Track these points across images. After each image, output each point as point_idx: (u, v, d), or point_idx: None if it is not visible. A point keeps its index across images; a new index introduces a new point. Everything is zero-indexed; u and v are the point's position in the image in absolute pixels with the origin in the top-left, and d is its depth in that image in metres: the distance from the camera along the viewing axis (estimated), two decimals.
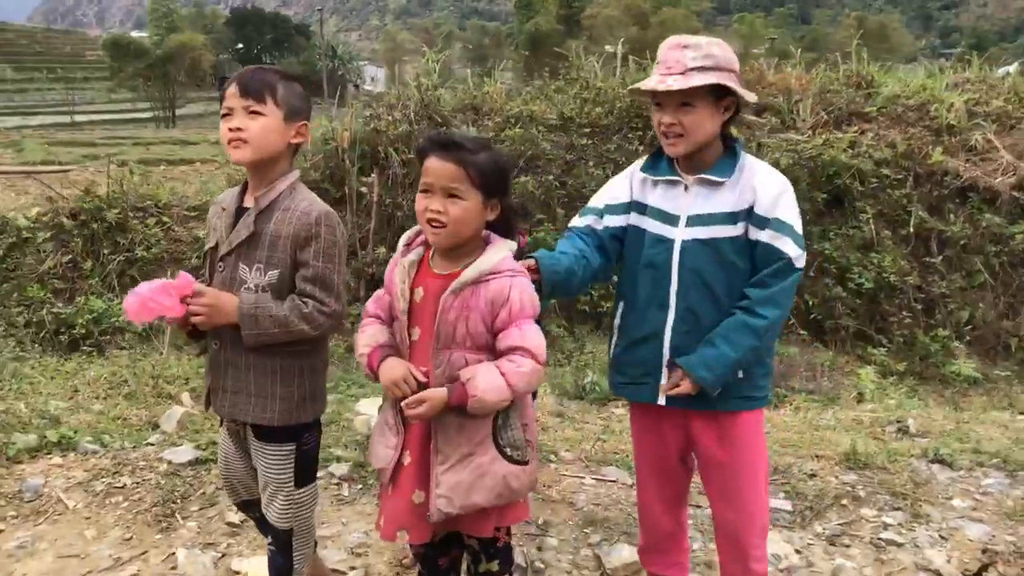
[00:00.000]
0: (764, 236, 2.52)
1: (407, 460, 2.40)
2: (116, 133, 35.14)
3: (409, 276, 2.40)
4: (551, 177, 7.54)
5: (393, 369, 2.34)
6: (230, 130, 2.43)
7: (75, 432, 4.53)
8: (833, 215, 7.59)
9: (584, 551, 3.64)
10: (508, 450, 2.38)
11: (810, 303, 7.17)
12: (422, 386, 2.30)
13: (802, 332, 7.01)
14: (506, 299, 2.28)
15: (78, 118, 44.54)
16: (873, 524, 3.93)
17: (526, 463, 2.43)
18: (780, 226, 2.51)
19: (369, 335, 2.47)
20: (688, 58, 2.47)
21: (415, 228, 2.47)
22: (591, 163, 7.78)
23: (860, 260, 7.31)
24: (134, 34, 71.82)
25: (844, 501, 4.13)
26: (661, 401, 2.64)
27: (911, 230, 7.52)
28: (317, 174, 7.92)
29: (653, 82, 2.51)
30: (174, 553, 3.45)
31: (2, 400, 5.03)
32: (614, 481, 4.32)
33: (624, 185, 2.76)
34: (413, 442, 2.39)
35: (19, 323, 6.85)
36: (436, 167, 2.30)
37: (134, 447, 4.43)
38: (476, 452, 2.34)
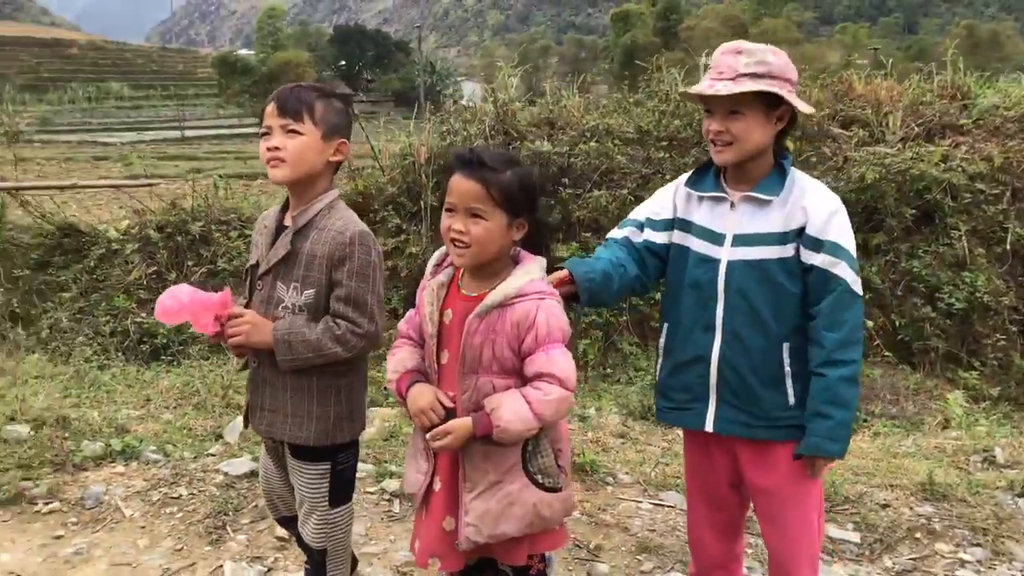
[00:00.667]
0: (818, 260, 2.39)
1: (437, 486, 2.36)
2: (222, 147, 36.48)
3: (438, 298, 2.36)
4: (625, 191, 7.41)
5: (420, 397, 2.30)
6: (268, 149, 2.44)
7: (140, 441, 4.63)
8: (922, 232, 7.22)
9: None
10: (539, 477, 2.31)
11: (897, 323, 6.85)
12: (450, 413, 2.26)
13: (887, 353, 6.69)
14: (532, 323, 2.21)
15: (188, 133, 46.34)
16: (948, 560, 3.70)
17: (559, 490, 2.35)
18: (836, 250, 2.39)
19: (398, 360, 2.43)
20: (741, 64, 2.37)
21: (444, 248, 2.42)
22: (668, 177, 7.59)
23: (951, 279, 6.93)
24: (242, 52, 74.61)
25: (918, 534, 3.91)
26: (708, 428, 2.54)
27: (1007, 248, 7.10)
28: (394, 188, 7.98)
29: (703, 86, 2.42)
30: (221, 566, 3.47)
31: (77, 408, 5.19)
32: (672, 507, 4.18)
33: (668, 200, 2.66)
34: (443, 468, 2.35)
35: (105, 332, 7.09)
36: (459, 186, 2.25)
37: (195, 457, 4.51)
38: (504, 480, 2.28)
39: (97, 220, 9.04)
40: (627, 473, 4.54)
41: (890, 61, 9.77)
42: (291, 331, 2.41)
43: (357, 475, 4.27)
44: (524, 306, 2.23)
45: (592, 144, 7.76)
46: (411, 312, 2.51)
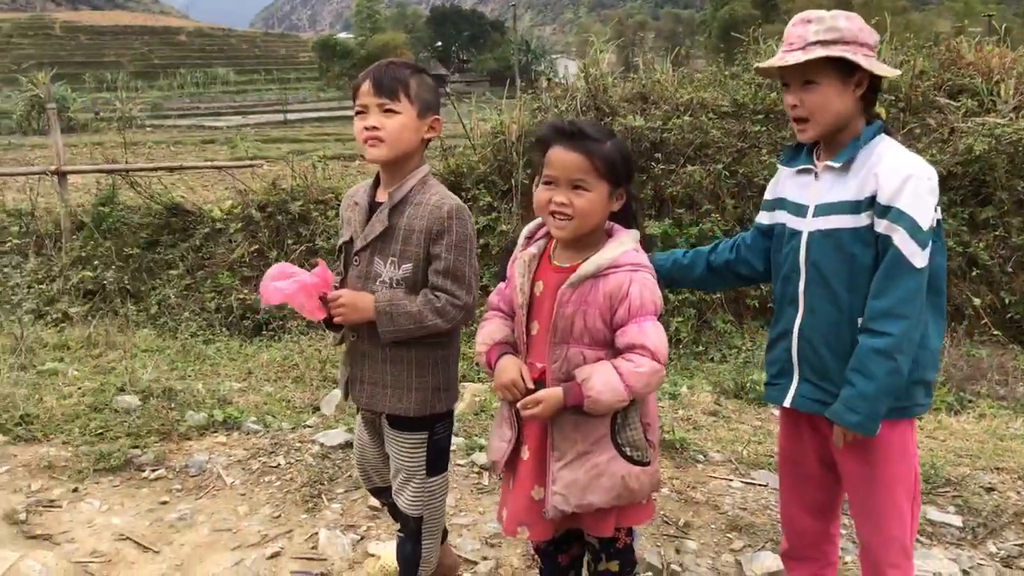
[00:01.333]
0: (881, 227, 2.29)
1: (525, 455, 2.36)
2: (323, 129, 37.25)
3: (529, 270, 2.36)
4: (720, 166, 7.27)
5: (505, 371, 2.31)
6: (366, 128, 2.45)
7: (241, 412, 4.80)
8: None
9: (725, 556, 3.48)
10: (627, 450, 2.30)
11: (1007, 301, 6.55)
12: (531, 391, 2.26)
13: (996, 332, 6.41)
14: (625, 294, 2.20)
15: (290, 116, 47.49)
16: None
17: (647, 464, 2.34)
18: (898, 217, 2.25)
19: (487, 332, 2.45)
20: (810, 32, 2.30)
21: (536, 221, 2.43)
22: (764, 151, 7.45)
23: None
24: (341, 36, 75.90)
25: None
26: (787, 404, 2.51)
27: None
28: (486, 167, 8.02)
29: (774, 59, 2.36)
30: (316, 533, 3.57)
31: (183, 380, 5.41)
32: (764, 485, 4.11)
33: (775, 181, 2.66)
34: (531, 437, 2.35)
35: (211, 308, 7.37)
36: (561, 158, 2.24)
37: (292, 428, 4.65)
38: (593, 451, 2.28)
39: (203, 201, 9.37)
40: (718, 451, 4.48)
41: (1003, 27, 9.29)
42: (392, 303, 2.44)
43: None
44: (617, 277, 2.22)
45: (686, 118, 7.63)
46: (502, 285, 2.52)
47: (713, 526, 3.72)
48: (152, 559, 3.40)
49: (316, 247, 7.87)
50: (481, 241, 7.66)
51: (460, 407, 4.96)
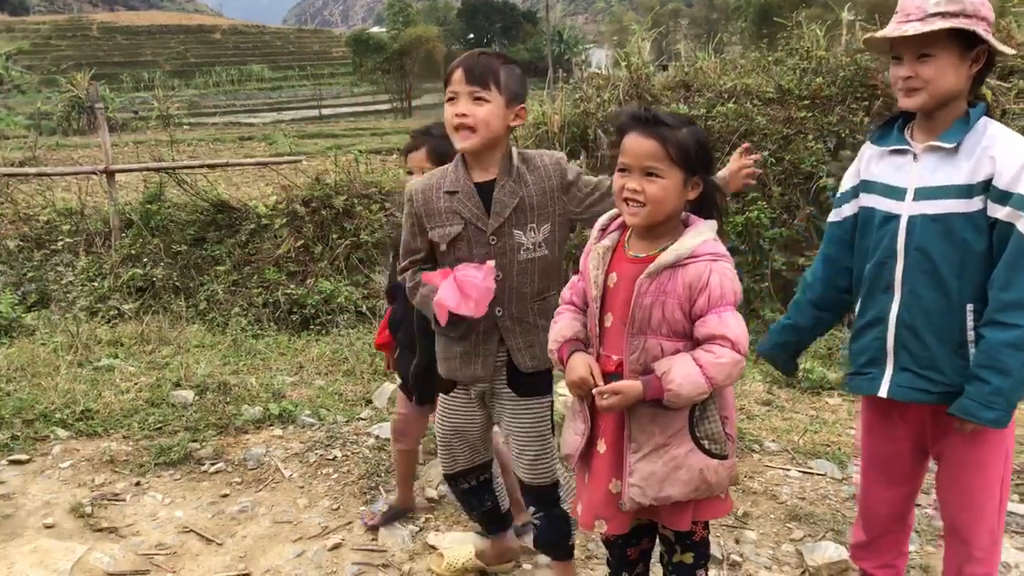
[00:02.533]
0: (1002, 214, 2.22)
1: (602, 448, 2.33)
2: (358, 125, 37.44)
3: (604, 262, 2.33)
4: (766, 153, 7.19)
5: (575, 368, 2.30)
6: (456, 115, 2.52)
7: (296, 406, 4.85)
8: None
9: (785, 546, 3.46)
10: (705, 443, 2.27)
11: None
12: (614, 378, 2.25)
13: None
14: (705, 284, 2.17)
15: (325, 112, 47.73)
16: None
17: (725, 457, 2.31)
18: (1020, 203, 2.19)
19: (558, 329, 2.43)
20: (930, 3, 2.23)
21: (610, 213, 2.42)
22: (810, 137, 7.35)
23: None
24: (374, 30, 75.95)
25: None
26: (882, 393, 2.43)
27: None
28: None
29: (888, 29, 2.30)
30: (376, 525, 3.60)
31: (236, 374, 5.47)
32: (823, 475, 4.08)
33: (853, 167, 2.57)
34: (608, 430, 2.32)
35: (258, 303, 7.44)
36: (635, 144, 2.21)
37: (347, 421, 4.69)
38: (671, 443, 2.25)
39: (246, 197, 9.45)
40: (773, 441, 4.45)
41: None
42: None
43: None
44: (697, 267, 2.18)
45: (730, 105, 7.56)
46: (574, 278, 2.49)
47: (772, 516, 3.70)
48: (216, 551, 3.45)
49: (361, 241, 7.92)
50: None
51: None
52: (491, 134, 2.54)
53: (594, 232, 2.42)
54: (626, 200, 2.23)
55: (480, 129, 2.51)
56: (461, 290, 2.52)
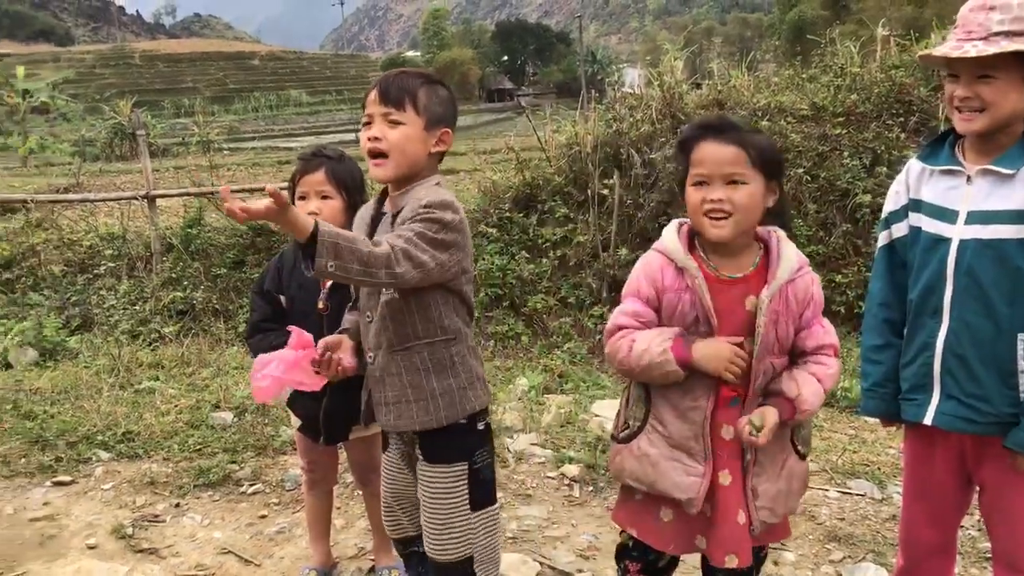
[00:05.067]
0: None
1: (727, 480, 2.20)
2: None
3: (705, 285, 2.18)
4: (801, 170, 7.16)
5: (718, 349, 2.12)
6: (369, 139, 2.29)
7: None
8: None
9: (825, 568, 3.42)
10: (800, 447, 2.28)
11: None
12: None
13: None
14: (811, 296, 2.17)
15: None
16: None
17: (808, 456, 2.34)
18: None
19: (655, 333, 2.20)
20: (994, 21, 2.14)
21: (674, 227, 2.27)
22: (846, 154, 7.31)
23: None
24: (409, 54, 76.90)
25: None
26: (927, 421, 2.36)
27: None
28: (561, 179, 8.04)
29: (947, 47, 2.21)
30: None
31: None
32: (862, 495, 4.03)
33: (900, 185, 2.47)
34: (732, 459, 2.21)
35: None
36: (713, 153, 2.12)
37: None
38: (786, 458, 2.25)
39: None
40: (812, 460, 4.38)
41: None
42: (338, 238, 2.04)
43: (538, 460, 4.40)
44: (804, 280, 2.16)
45: (764, 123, 7.54)
46: (634, 307, 2.26)
47: (811, 537, 3.65)
48: (254, 572, 3.47)
49: None
50: (558, 252, 7.68)
51: (547, 419, 4.97)
52: (406, 160, 2.29)
53: (672, 249, 2.23)
54: (708, 213, 2.13)
55: (393, 154, 2.27)
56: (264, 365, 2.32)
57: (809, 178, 7.20)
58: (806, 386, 2.13)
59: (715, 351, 2.12)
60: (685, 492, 2.20)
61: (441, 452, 2.41)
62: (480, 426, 2.48)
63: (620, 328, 2.25)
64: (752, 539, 2.23)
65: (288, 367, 2.32)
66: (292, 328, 2.40)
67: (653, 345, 2.16)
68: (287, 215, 1.95)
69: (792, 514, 2.33)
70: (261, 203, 1.92)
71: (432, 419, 2.37)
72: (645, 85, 9.85)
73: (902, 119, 7.40)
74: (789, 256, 2.15)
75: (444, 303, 2.36)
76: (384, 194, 2.45)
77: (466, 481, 2.42)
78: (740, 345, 2.13)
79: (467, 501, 2.43)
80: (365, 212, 2.49)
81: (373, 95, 2.31)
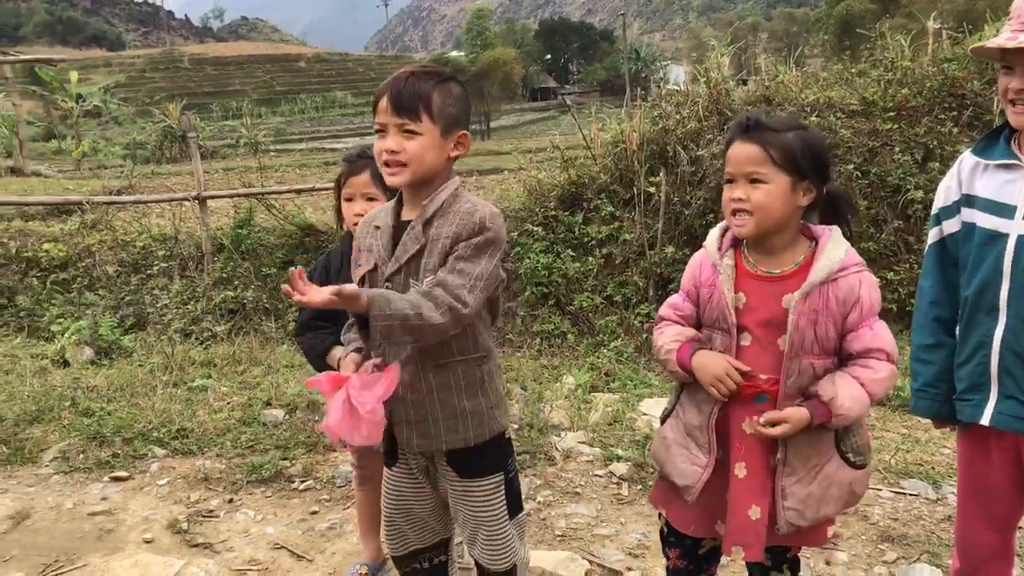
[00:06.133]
0: None
1: (742, 472, 2.22)
2: None
3: (731, 281, 2.24)
4: (851, 166, 7.06)
5: (714, 364, 2.18)
6: (385, 151, 2.23)
7: None
8: None
9: (878, 568, 3.38)
10: (851, 455, 2.23)
11: None
12: (744, 374, 2.17)
13: None
14: (857, 298, 2.12)
15: None
16: None
17: (866, 466, 2.27)
18: None
19: (674, 332, 2.32)
20: None
21: (720, 227, 2.33)
22: (897, 149, 7.19)
23: None
24: (452, 54, 77.13)
25: None
26: (984, 422, 2.32)
27: None
28: (607, 176, 8.02)
29: (1002, 39, 2.18)
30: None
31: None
32: (916, 495, 3.97)
33: (952, 180, 2.43)
34: (751, 452, 2.22)
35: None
36: (736, 152, 2.17)
37: None
38: (823, 462, 2.21)
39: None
40: None
41: None
42: (390, 293, 2.12)
43: (586, 459, 4.40)
44: (848, 281, 2.13)
45: (813, 119, 7.45)
46: (676, 299, 2.40)
47: (864, 537, 3.61)
48: (306, 567, 3.52)
49: None
50: (604, 251, 7.66)
51: (594, 417, 4.97)
52: (425, 169, 2.23)
53: (710, 246, 2.32)
54: (733, 213, 2.18)
55: (412, 165, 2.21)
56: (352, 414, 2.13)
57: (859, 174, 7.09)
58: (844, 389, 2.10)
59: (710, 364, 2.18)
60: (684, 479, 2.28)
61: (476, 466, 2.38)
62: (507, 435, 2.48)
63: (661, 319, 2.39)
64: (776, 538, 2.23)
65: (364, 387, 2.16)
66: (318, 379, 2.27)
67: (668, 343, 2.29)
68: (348, 304, 2.03)
69: (830, 522, 2.28)
70: (324, 292, 1.97)
71: (460, 439, 2.32)
72: (691, 82, 9.78)
73: (955, 113, 7.26)
74: (831, 256, 2.13)
75: (480, 318, 2.33)
76: (400, 200, 2.38)
77: (503, 491, 2.42)
78: (746, 372, 2.16)
79: (506, 511, 2.43)
80: (383, 221, 2.37)
81: (384, 103, 2.23)
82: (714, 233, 2.33)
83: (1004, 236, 2.23)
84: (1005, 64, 2.22)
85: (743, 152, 2.15)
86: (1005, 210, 2.25)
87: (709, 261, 2.30)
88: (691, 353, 2.24)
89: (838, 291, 2.12)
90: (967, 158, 2.40)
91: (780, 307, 2.15)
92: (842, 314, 2.13)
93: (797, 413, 2.11)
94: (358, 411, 2.11)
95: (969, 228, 2.34)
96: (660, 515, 2.48)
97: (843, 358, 2.18)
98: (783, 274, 2.18)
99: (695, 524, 2.34)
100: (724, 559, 2.52)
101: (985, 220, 2.29)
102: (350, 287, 2.06)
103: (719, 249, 2.28)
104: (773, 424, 2.12)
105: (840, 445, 2.21)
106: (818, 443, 2.18)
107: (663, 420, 2.44)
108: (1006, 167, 2.27)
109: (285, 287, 1.98)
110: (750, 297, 2.20)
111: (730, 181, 2.19)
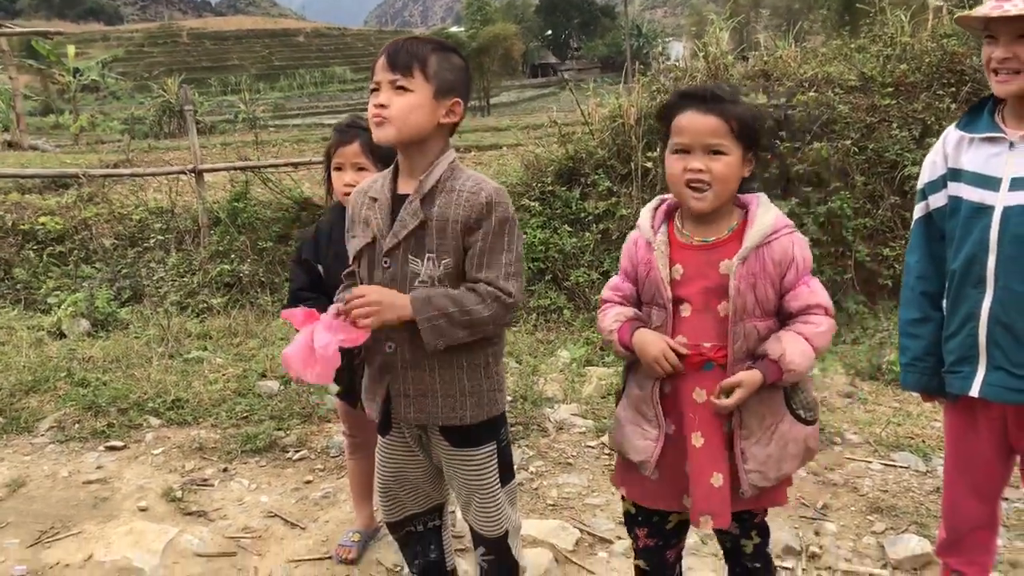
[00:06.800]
0: None
1: (699, 442, 2.22)
2: None
3: (666, 256, 2.25)
4: (848, 142, 7.03)
5: (651, 344, 2.20)
6: (375, 106, 2.21)
7: None
8: None
9: (867, 539, 3.41)
10: (801, 412, 2.27)
11: None
12: (683, 357, 2.19)
13: None
14: (792, 258, 2.17)
15: None
16: None
17: (816, 422, 2.32)
18: None
19: (615, 313, 2.34)
20: None
21: (651, 204, 2.37)
22: (895, 125, 7.16)
23: None
24: (452, 29, 76.63)
25: None
26: (974, 393, 2.34)
27: None
28: (604, 151, 8.00)
29: (987, 8, 2.19)
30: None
31: None
32: (906, 467, 4.00)
33: (938, 156, 2.45)
34: (703, 422, 2.22)
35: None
36: (694, 123, 2.15)
37: None
38: (776, 421, 2.24)
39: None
40: (855, 433, 4.37)
41: None
42: (429, 291, 2.19)
43: (579, 430, 4.43)
44: (781, 243, 2.17)
45: (811, 94, 7.41)
46: (616, 280, 2.42)
47: (853, 508, 3.65)
48: (299, 535, 3.55)
49: None
50: (601, 226, 7.65)
51: (587, 390, 4.99)
52: (410, 129, 2.20)
53: (642, 226, 2.35)
54: (689, 183, 2.17)
55: (396, 121, 2.18)
56: (310, 349, 2.17)
57: (857, 150, 7.07)
58: (791, 344, 2.14)
59: (648, 345, 2.21)
60: (639, 455, 2.29)
61: (470, 437, 2.39)
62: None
63: (604, 302, 2.41)
64: (742, 502, 2.25)
65: (327, 328, 2.18)
66: (292, 312, 2.29)
67: (609, 324, 2.32)
68: (387, 312, 2.17)
69: (789, 482, 2.32)
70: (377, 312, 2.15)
71: (456, 417, 2.33)
72: (691, 58, 9.74)
73: (953, 89, 7.22)
74: (763, 221, 2.17)
75: None
76: (395, 172, 2.36)
77: (496, 459, 2.43)
78: (686, 349, 2.19)
79: (498, 479, 2.44)
80: (379, 193, 2.34)
81: (381, 61, 2.22)
82: (646, 211, 2.35)
83: (990, 209, 2.26)
84: (989, 34, 2.24)
85: (703, 123, 2.15)
86: (990, 182, 2.27)
87: (643, 239, 2.32)
88: (631, 333, 2.26)
89: (773, 253, 2.15)
90: (952, 132, 2.43)
91: (718, 274, 2.18)
92: (779, 275, 2.16)
93: (750, 375, 2.14)
94: (315, 347, 2.14)
95: (955, 202, 2.36)
96: (623, 498, 2.49)
97: (783, 317, 2.22)
98: (718, 241, 2.21)
99: (663, 499, 2.35)
100: (692, 535, 2.55)
101: (971, 193, 2.31)
102: (376, 290, 2.20)
103: (652, 226, 2.31)
104: (728, 393, 2.15)
105: (790, 403, 2.25)
106: (770, 403, 2.22)
107: (617, 401, 2.46)
108: (990, 140, 2.30)
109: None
110: (687, 268, 2.23)
111: (683, 151, 2.18)
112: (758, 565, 2.45)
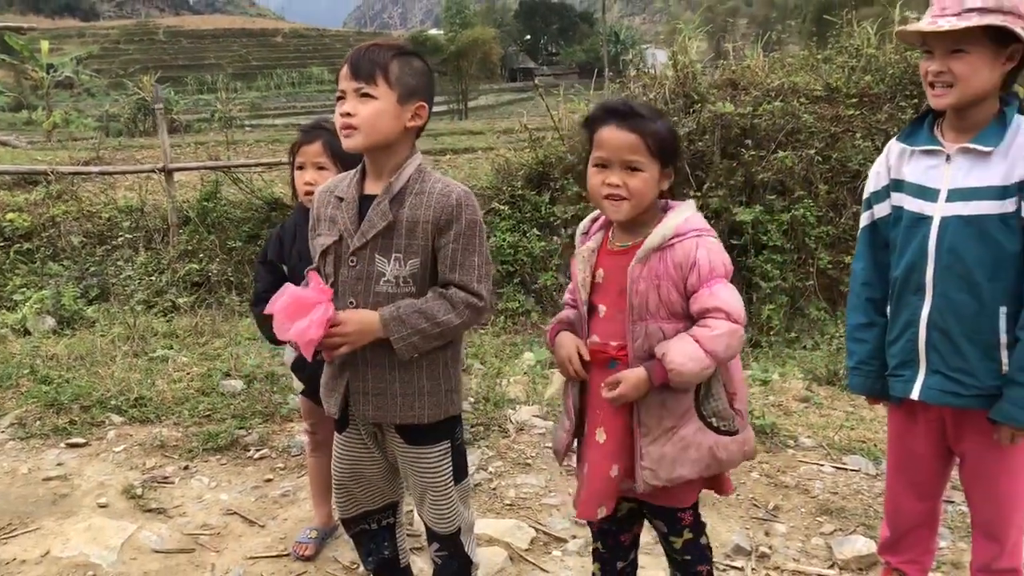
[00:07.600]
0: None
1: (602, 437, 2.31)
2: None
3: (589, 263, 2.36)
4: (812, 151, 7.15)
5: (562, 346, 2.34)
6: (341, 115, 2.27)
7: None
8: None
9: (816, 540, 3.48)
10: (713, 420, 2.30)
11: None
12: (586, 364, 2.29)
13: None
14: (694, 261, 2.19)
15: None
16: None
17: (735, 432, 2.33)
18: None
19: (559, 316, 2.48)
20: None
21: (590, 217, 2.44)
22: (858, 135, 7.29)
23: None
24: (431, 32, 76.58)
25: None
26: (914, 396, 2.41)
27: None
28: (574, 157, 8.07)
29: (923, 23, 2.26)
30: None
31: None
32: (856, 471, 4.08)
33: (882, 167, 2.52)
34: (608, 418, 2.31)
35: None
36: (613, 138, 2.22)
37: None
38: (679, 424, 2.27)
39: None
40: (809, 437, 4.45)
41: None
42: (398, 307, 2.24)
43: (538, 431, 4.48)
44: (684, 245, 2.21)
45: (777, 104, 7.52)
46: (570, 284, 2.51)
47: (803, 509, 3.71)
48: (258, 532, 3.58)
49: None
50: (569, 231, 7.72)
51: (549, 391, 5.04)
52: (377, 135, 2.26)
53: (578, 236, 2.45)
54: (607, 197, 2.25)
55: (364, 128, 2.24)
56: (298, 306, 2.23)
57: (820, 159, 7.19)
58: (676, 346, 2.17)
59: (560, 346, 2.35)
60: (556, 444, 2.48)
61: (425, 436, 2.42)
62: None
63: (566, 305, 2.53)
64: (645, 495, 2.34)
65: (322, 321, 2.21)
66: (313, 275, 2.33)
67: (550, 326, 2.44)
68: (361, 340, 2.25)
69: (696, 485, 2.37)
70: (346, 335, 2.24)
71: (414, 416, 2.36)
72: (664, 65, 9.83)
73: (916, 100, 7.35)
74: (667, 224, 2.23)
75: None
76: (363, 173, 2.40)
77: (450, 458, 2.47)
78: (587, 352, 2.31)
79: (452, 477, 2.47)
80: (345, 192, 2.37)
81: (345, 69, 2.28)
82: (586, 221, 2.45)
83: (928, 219, 2.32)
84: (926, 48, 2.30)
85: (621, 139, 2.21)
86: (928, 194, 2.33)
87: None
88: (556, 333, 2.40)
89: (675, 256, 2.20)
90: (894, 144, 2.49)
91: (626, 277, 2.25)
92: (681, 278, 2.20)
93: (632, 372, 2.20)
94: (303, 308, 2.21)
95: (898, 211, 2.42)
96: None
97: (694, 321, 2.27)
98: (632, 246, 2.27)
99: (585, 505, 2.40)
100: (647, 532, 2.63)
101: (912, 204, 2.37)
102: (355, 320, 2.25)
103: (585, 233, 2.42)
104: (615, 388, 2.22)
105: (701, 410, 2.29)
106: (672, 406, 2.26)
107: None
108: (929, 152, 2.36)
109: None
110: (607, 272, 2.32)
111: (603, 166, 2.25)
112: (688, 557, 2.51)
